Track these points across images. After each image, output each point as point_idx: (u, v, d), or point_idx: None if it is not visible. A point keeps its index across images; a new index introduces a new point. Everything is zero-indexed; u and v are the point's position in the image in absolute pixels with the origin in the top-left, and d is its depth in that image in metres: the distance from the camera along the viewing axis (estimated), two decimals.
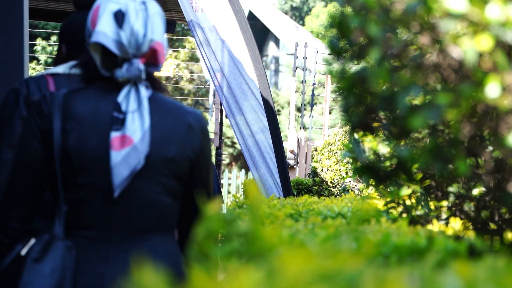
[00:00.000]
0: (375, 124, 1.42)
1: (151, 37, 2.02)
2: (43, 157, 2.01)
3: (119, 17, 2.01)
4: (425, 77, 1.19)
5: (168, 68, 13.81)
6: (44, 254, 1.96)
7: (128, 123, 1.97)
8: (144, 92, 2.02)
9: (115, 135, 1.96)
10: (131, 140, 1.96)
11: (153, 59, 2.04)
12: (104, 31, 1.99)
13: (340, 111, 1.46)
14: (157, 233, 2.06)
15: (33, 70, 16.40)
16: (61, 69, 2.61)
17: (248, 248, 0.92)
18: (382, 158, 1.72)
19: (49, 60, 20.01)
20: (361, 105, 1.21)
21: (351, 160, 2.70)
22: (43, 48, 20.14)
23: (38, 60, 20.27)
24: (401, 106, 1.16)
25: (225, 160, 15.73)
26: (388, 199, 2.10)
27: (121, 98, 2.00)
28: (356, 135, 1.73)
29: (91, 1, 2.39)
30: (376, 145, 1.73)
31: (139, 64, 2.00)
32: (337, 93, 1.27)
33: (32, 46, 19.48)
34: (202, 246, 0.95)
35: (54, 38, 20.17)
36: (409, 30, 1.16)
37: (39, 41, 19.92)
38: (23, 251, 2.00)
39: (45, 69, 19.35)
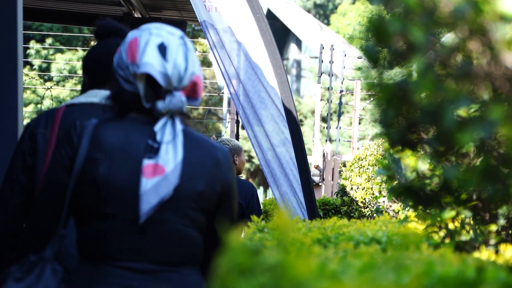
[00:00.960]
0: (415, 139, 1.42)
1: (192, 70, 2.31)
2: (69, 187, 2.27)
3: (163, 50, 2.29)
4: (474, 87, 1.18)
5: None
6: (26, 275, 2.24)
7: (162, 153, 2.23)
8: (179, 125, 2.28)
9: (147, 162, 2.22)
10: (163, 170, 2.21)
11: (192, 92, 2.32)
12: (151, 62, 2.26)
13: (377, 124, 1.46)
14: (185, 265, 2.30)
15: (26, 76, 16.52)
16: (77, 99, 2.98)
17: (277, 282, 0.92)
18: (422, 177, 1.71)
19: (44, 65, 20.14)
20: (401, 118, 1.21)
21: (385, 178, 2.68)
22: (37, 51, 20.28)
23: (31, 65, 20.42)
24: (447, 120, 1.15)
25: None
26: (429, 222, 2.09)
27: (157, 127, 2.27)
28: (393, 151, 1.73)
29: (111, 31, 2.98)
30: (415, 163, 1.72)
31: (182, 96, 2.27)
32: (374, 105, 1.27)
33: (24, 50, 19.62)
34: (225, 280, 0.95)
35: (49, 40, 20.32)
36: (456, 34, 1.16)
37: (32, 43, 20.07)
38: (12, 270, 2.28)
39: (39, 75, 19.46)
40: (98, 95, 2.96)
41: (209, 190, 2.33)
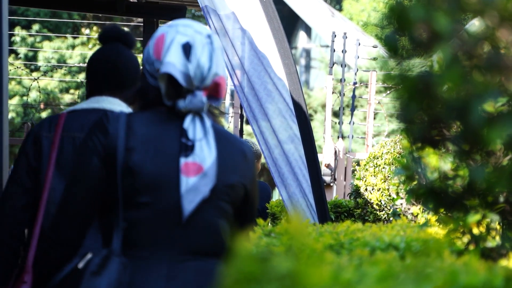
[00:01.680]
0: (438, 137, 1.41)
1: (215, 71, 2.54)
2: (101, 175, 2.51)
3: (187, 50, 2.52)
4: (503, 79, 1.18)
5: None
6: (101, 268, 2.45)
7: (197, 150, 2.49)
8: (208, 122, 2.54)
9: (185, 161, 2.48)
10: (201, 168, 2.48)
11: (215, 92, 2.57)
12: (173, 62, 2.50)
13: (394, 119, 1.45)
14: (214, 256, 2.57)
15: (11, 66, 16.53)
16: (79, 106, 3.33)
17: None
18: (445, 177, 1.71)
19: (30, 54, 20.15)
20: (423, 113, 1.21)
21: (403, 178, 2.68)
22: (23, 39, 20.29)
23: (17, 54, 20.43)
24: (473, 115, 1.15)
25: None
26: (452, 227, 2.08)
27: (186, 125, 2.51)
28: (413, 149, 1.73)
29: (112, 36, 3.41)
30: (437, 162, 1.72)
31: (202, 96, 2.51)
32: (392, 98, 1.27)
33: (9, 37, 19.65)
34: None
35: (36, 27, 20.33)
36: (484, 22, 1.15)
37: (18, 30, 20.08)
38: (80, 265, 2.50)
39: (25, 65, 19.46)
40: (99, 101, 3.32)
41: (239, 183, 2.62)
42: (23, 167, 3.25)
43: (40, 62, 20.07)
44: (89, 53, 20.11)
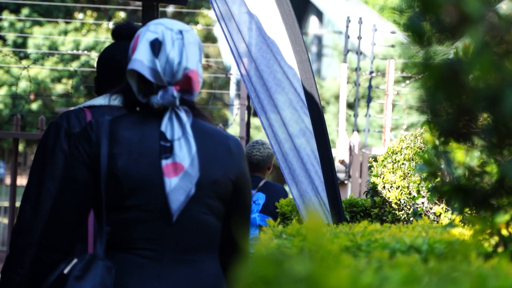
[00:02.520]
0: (464, 130, 1.41)
1: (185, 65, 2.80)
2: (89, 182, 2.79)
3: (156, 46, 2.80)
4: None
5: None
6: (85, 273, 2.70)
7: (176, 150, 2.74)
8: (185, 118, 2.79)
9: (166, 162, 2.74)
10: (182, 167, 2.73)
11: (187, 86, 2.80)
12: (140, 59, 2.77)
13: (418, 112, 1.45)
14: (205, 253, 2.86)
15: None
16: (97, 101, 3.65)
17: None
18: (472, 174, 1.71)
19: (19, 41, 20.17)
20: (451, 104, 1.20)
21: (424, 175, 2.67)
22: (12, 24, 20.31)
23: (4, 40, 20.45)
24: (506, 105, 1.14)
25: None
26: (479, 228, 2.08)
27: (163, 126, 2.77)
28: (439, 143, 1.72)
29: (124, 34, 3.74)
30: (463, 157, 1.71)
31: (173, 91, 2.76)
32: (415, 88, 1.26)
33: None
34: None
35: (25, 11, 20.35)
36: None
37: (6, 14, 20.10)
38: (66, 270, 2.74)
39: (14, 52, 19.47)
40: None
41: (224, 178, 2.85)
42: (61, 162, 3.53)
43: (30, 49, 20.08)
44: (83, 40, 20.13)
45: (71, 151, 2.84)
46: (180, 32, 2.84)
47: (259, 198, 6.75)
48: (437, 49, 1.17)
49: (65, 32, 20.69)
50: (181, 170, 2.73)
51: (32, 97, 20.37)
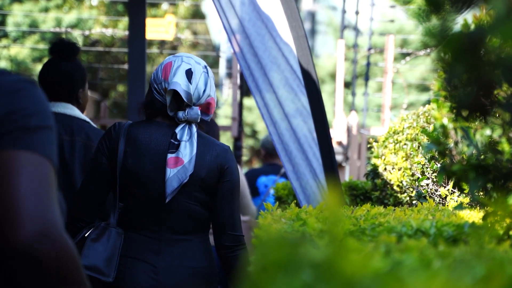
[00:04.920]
0: (482, 104, 1.39)
1: (209, 93, 3.86)
2: (108, 170, 3.83)
3: (189, 75, 3.80)
4: None
5: (167, 29, 13.80)
6: (100, 236, 3.78)
7: (182, 148, 3.74)
8: (195, 129, 3.81)
9: (170, 156, 3.72)
10: (182, 161, 3.72)
11: (206, 109, 3.88)
12: (179, 82, 3.77)
13: (441, 84, 1.43)
14: (195, 234, 3.87)
15: None
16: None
17: (326, 282, 0.90)
18: (487, 153, 1.69)
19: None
20: (471, 76, 1.18)
21: (429, 156, 2.66)
22: None
23: None
24: None
25: (245, 155, 15.71)
26: (490, 210, 2.06)
27: (178, 130, 3.77)
28: (459, 120, 1.71)
29: (56, 50, 4.83)
30: (483, 134, 1.70)
31: (198, 110, 3.79)
32: (437, 61, 1.24)
33: None
34: (258, 279, 0.93)
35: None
36: None
37: None
38: (86, 234, 3.80)
39: None
40: (54, 106, 4.71)
41: (209, 176, 3.85)
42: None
43: (10, 28, 20.01)
44: (65, 17, 20.06)
45: (97, 145, 3.85)
46: (205, 67, 3.90)
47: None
48: (459, 18, 1.15)
49: (46, 9, 20.61)
50: (180, 164, 3.72)
51: None
